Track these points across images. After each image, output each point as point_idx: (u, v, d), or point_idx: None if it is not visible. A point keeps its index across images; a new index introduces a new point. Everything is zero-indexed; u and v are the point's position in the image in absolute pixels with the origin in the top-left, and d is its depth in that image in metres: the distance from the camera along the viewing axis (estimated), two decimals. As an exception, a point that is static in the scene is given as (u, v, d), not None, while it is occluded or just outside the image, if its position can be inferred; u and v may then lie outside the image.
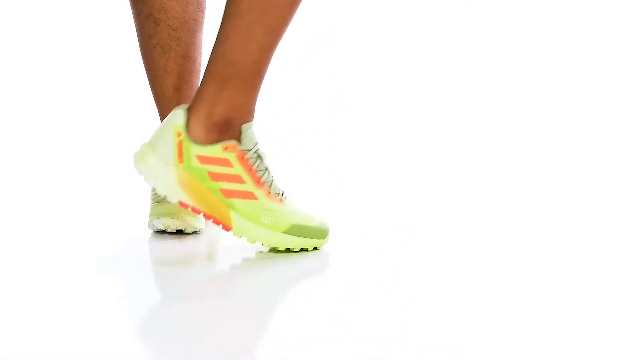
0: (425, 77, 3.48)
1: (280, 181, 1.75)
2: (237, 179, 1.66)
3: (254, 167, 1.67)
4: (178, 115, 1.65)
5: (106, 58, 3.51)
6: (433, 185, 2.32)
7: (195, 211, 1.66)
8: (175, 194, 1.65)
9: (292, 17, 1.66)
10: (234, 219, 1.66)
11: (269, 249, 1.72)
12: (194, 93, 1.86)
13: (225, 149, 1.65)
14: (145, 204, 1.92)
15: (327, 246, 1.75)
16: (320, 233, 1.72)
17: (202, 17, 1.88)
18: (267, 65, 1.66)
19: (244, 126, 1.66)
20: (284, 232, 1.69)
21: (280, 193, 1.70)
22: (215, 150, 1.65)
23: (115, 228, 1.93)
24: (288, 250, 1.71)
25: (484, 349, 1.30)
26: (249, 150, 1.67)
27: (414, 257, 1.73)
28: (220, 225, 1.67)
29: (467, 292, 1.54)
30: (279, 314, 1.46)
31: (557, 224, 1.95)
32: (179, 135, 1.65)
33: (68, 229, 1.92)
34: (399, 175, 2.43)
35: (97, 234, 1.87)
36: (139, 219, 1.90)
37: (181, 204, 1.66)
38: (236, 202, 1.66)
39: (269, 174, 1.69)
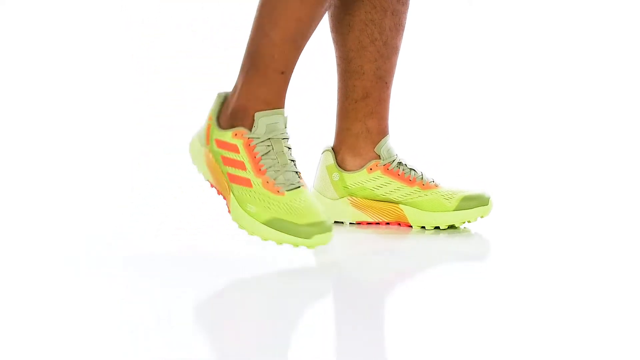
0: (420, 72, 3.47)
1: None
2: (241, 165, 1.69)
3: (259, 156, 1.69)
4: (214, 101, 1.75)
5: (106, 59, 3.51)
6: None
7: (216, 189, 1.73)
8: (205, 174, 1.74)
9: (303, 17, 1.68)
10: (232, 203, 1.70)
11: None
12: None
13: (235, 135, 1.70)
14: (145, 203, 1.93)
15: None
16: (304, 233, 1.65)
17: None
18: (284, 62, 1.69)
19: (256, 114, 1.69)
20: (262, 223, 1.66)
21: (288, 184, 1.68)
22: (228, 135, 1.70)
23: (113, 228, 1.94)
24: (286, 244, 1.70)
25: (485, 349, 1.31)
26: (257, 139, 1.69)
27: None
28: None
29: (464, 289, 1.56)
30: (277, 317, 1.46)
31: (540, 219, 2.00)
32: (210, 119, 1.73)
33: (66, 229, 1.91)
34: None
35: (95, 234, 1.87)
36: (138, 218, 1.91)
37: (210, 183, 1.74)
38: (235, 187, 1.69)
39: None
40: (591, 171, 2.51)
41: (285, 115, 1.71)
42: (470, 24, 3.50)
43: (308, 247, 1.64)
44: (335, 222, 1.95)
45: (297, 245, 1.64)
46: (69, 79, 3.31)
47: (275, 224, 1.65)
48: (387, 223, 1.93)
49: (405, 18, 1.92)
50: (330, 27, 1.92)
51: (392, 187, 1.91)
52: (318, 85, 2.91)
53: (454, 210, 1.88)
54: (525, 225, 1.99)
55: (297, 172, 1.70)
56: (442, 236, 1.86)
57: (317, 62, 2.21)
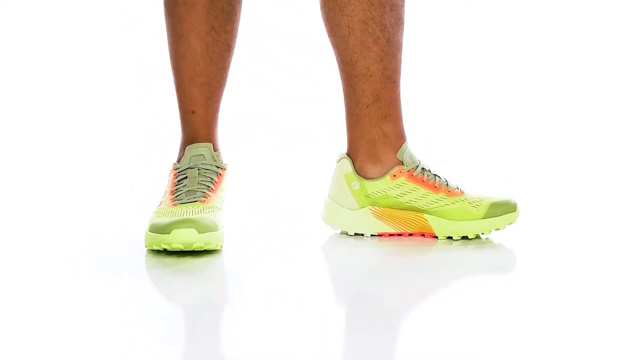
0: (420, 72, 3.46)
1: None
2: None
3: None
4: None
5: (106, 59, 3.51)
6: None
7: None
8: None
9: (187, 54, 1.80)
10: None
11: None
12: None
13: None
14: (145, 203, 1.93)
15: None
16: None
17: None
18: (190, 102, 1.83)
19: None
20: (482, 218, 1.83)
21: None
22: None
23: (113, 228, 1.94)
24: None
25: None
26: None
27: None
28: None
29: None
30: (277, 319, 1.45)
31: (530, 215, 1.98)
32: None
33: (66, 229, 1.92)
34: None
35: (95, 234, 1.87)
36: (138, 218, 1.91)
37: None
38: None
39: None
40: (618, 174, 2.47)
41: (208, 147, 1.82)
42: (472, 19, 3.49)
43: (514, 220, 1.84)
44: (355, 234, 1.88)
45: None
46: (69, 79, 3.31)
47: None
48: (410, 234, 1.86)
49: (404, 12, 1.85)
50: (328, 32, 1.84)
51: (418, 195, 1.84)
52: (317, 90, 2.92)
53: (482, 218, 1.83)
54: (552, 233, 1.93)
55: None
56: (470, 248, 1.80)
57: (316, 65, 2.20)
